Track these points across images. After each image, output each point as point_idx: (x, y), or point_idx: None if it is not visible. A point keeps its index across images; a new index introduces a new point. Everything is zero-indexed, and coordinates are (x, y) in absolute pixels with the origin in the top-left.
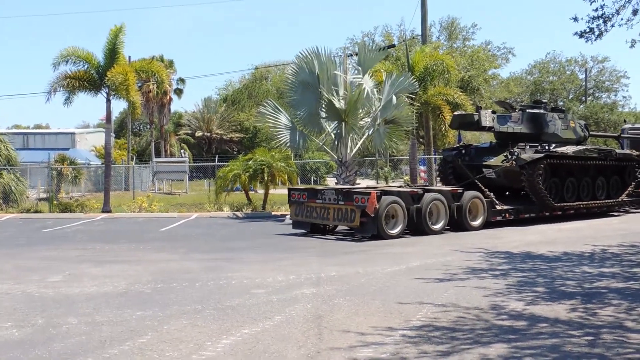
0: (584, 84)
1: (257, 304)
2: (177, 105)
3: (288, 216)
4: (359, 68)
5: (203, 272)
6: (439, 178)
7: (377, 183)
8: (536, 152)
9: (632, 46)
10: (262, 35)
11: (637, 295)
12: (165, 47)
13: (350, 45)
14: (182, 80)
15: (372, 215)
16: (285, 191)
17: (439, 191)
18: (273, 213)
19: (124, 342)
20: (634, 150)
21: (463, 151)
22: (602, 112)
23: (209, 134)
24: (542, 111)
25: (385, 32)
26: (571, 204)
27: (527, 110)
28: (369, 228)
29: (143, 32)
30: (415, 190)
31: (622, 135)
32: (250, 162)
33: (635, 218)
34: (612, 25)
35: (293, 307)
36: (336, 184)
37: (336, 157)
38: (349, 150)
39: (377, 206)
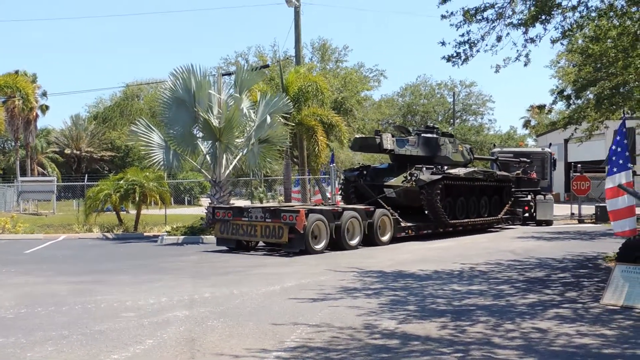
0: (452, 106)
1: (128, 328)
2: (45, 121)
3: (162, 237)
4: (236, 88)
5: (70, 295)
6: (340, 197)
7: (252, 203)
8: (433, 173)
9: (496, 71)
10: (133, 52)
11: (503, 312)
12: (27, 60)
13: (224, 64)
14: (44, 94)
15: (302, 232)
16: (158, 211)
17: (355, 209)
18: (145, 234)
19: None
20: (505, 172)
21: (364, 172)
22: (469, 133)
23: (78, 152)
24: (435, 135)
25: (258, 53)
26: (461, 221)
27: (423, 135)
28: (297, 244)
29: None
30: (336, 208)
31: (499, 158)
32: (121, 182)
33: (503, 235)
34: (478, 51)
35: (165, 330)
36: (210, 204)
37: (210, 177)
38: (223, 170)
39: (306, 223)
